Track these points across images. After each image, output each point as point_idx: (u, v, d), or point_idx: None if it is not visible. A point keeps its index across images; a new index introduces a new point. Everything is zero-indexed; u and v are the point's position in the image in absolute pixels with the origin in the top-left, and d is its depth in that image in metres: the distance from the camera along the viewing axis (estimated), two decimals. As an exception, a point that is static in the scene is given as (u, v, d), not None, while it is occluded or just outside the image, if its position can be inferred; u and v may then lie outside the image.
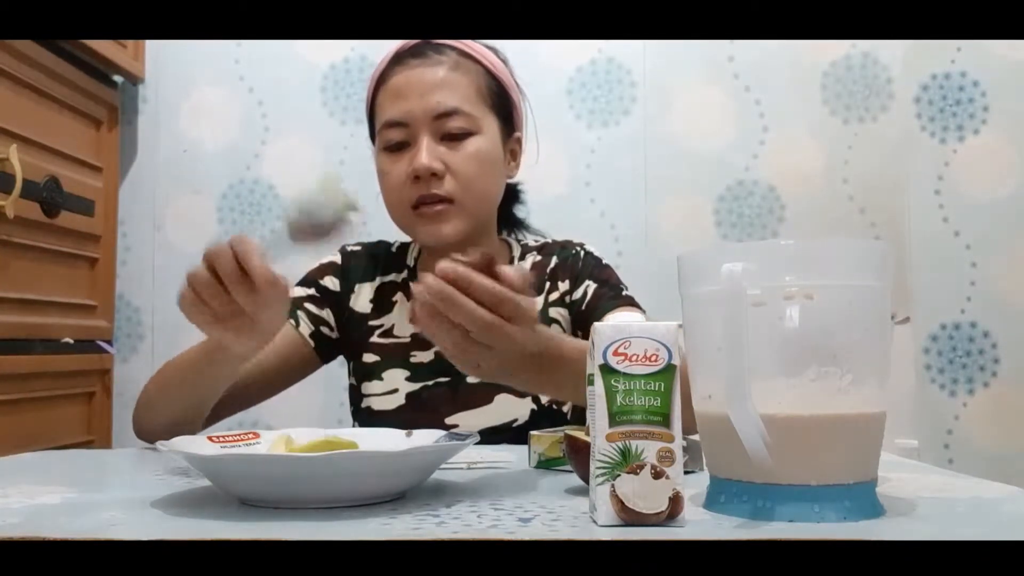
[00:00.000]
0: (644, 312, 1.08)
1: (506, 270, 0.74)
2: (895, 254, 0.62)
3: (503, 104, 1.13)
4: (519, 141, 1.17)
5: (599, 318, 1.05)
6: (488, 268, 0.73)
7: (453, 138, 1.06)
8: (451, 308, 0.71)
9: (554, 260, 1.15)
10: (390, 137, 1.08)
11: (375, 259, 1.18)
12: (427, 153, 1.04)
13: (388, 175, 1.08)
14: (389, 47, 1.13)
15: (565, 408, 1.09)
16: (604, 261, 1.15)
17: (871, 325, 0.59)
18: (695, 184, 1.74)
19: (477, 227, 1.10)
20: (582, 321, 1.10)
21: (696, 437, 0.67)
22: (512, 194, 1.23)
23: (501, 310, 0.72)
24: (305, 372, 1.15)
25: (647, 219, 1.74)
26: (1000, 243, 1.62)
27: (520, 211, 1.26)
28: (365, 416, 1.12)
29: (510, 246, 1.19)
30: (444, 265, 0.72)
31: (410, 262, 1.18)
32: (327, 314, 1.14)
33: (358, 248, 1.19)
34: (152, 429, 0.99)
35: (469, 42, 1.12)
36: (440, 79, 1.07)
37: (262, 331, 0.82)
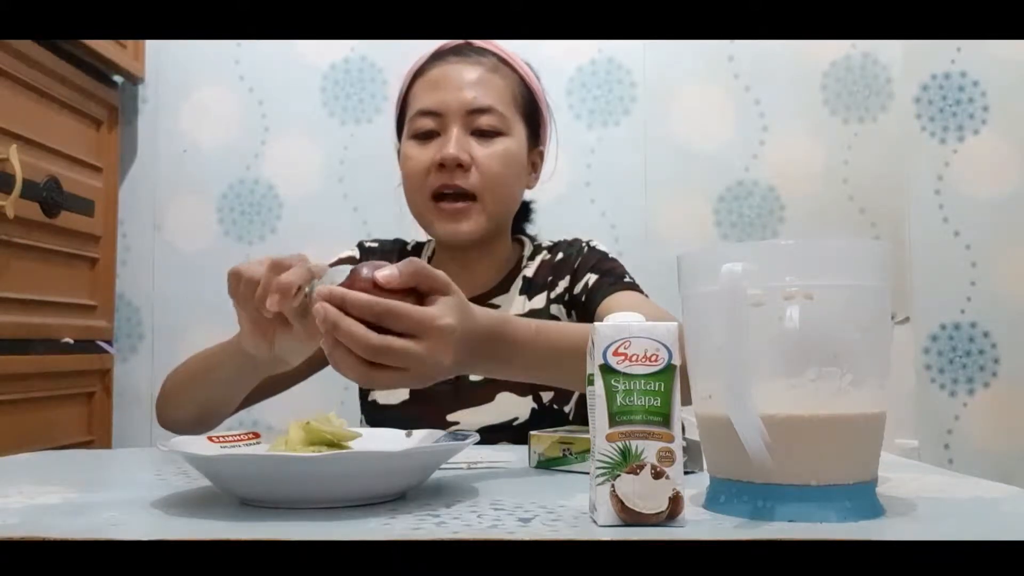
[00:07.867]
0: (646, 295, 1.08)
1: (385, 272, 0.67)
2: (895, 254, 0.62)
3: (533, 115, 1.15)
4: (541, 155, 1.19)
5: (598, 303, 1.06)
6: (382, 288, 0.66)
7: (483, 135, 1.08)
8: (336, 331, 0.65)
9: (559, 256, 1.15)
10: (421, 125, 1.09)
11: (391, 256, 1.19)
12: (456, 143, 1.06)
13: (413, 160, 1.09)
14: (414, 45, 1.14)
15: (566, 408, 1.09)
16: (610, 255, 1.15)
17: (871, 325, 0.59)
18: (695, 184, 1.74)
19: (494, 228, 1.11)
20: (584, 311, 1.10)
21: (696, 437, 0.67)
22: (523, 210, 1.24)
23: (395, 326, 0.65)
24: (325, 363, 1.14)
25: (647, 219, 1.74)
26: (1000, 243, 1.62)
27: (529, 229, 1.26)
28: (371, 409, 1.13)
29: (522, 244, 1.20)
30: (321, 289, 0.66)
31: (424, 260, 1.19)
32: None
33: (375, 244, 1.21)
34: (176, 419, 1.01)
35: (508, 51, 1.15)
36: (478, 77, 1.09)
37: (284, 350, 0.82)
